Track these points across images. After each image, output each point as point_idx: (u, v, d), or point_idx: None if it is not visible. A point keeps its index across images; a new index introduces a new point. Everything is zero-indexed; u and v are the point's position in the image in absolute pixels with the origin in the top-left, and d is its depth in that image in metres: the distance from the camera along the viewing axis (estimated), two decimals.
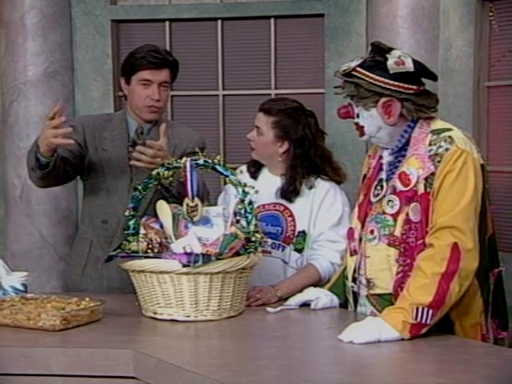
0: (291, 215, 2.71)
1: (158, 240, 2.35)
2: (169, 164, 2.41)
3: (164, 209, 2.43)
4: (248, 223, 2.32)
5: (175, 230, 2.40)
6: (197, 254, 2.26)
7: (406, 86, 2.23)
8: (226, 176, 2.36)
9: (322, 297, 2.45)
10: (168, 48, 4.46)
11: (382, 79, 2.23)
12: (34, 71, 4.57)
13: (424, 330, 2.08)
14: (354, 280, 2.38)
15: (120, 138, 2.85)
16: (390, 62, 2.22)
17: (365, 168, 2.48)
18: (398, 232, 2.25)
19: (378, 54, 2.26)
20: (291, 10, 4.69)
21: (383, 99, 2.25)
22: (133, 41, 4.61)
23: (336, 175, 2.76)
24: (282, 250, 2.70)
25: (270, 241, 2.68)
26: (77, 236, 3.01)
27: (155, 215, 2.45)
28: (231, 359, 1.93)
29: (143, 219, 2.43)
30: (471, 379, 1.78)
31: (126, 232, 2.42)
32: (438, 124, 2.29)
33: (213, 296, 2.30)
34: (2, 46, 4.64)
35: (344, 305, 2.47)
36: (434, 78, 2.31)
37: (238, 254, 2.30)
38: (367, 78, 2.24)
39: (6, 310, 2.25)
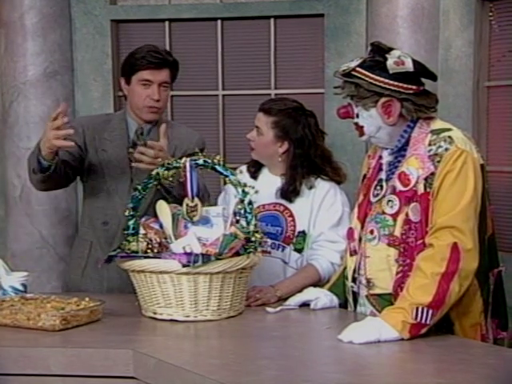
0: (291, 215, 2.71)
1: (158, 240, 2.35)
2: (168, 164, 2.41)
3: (164, 209, 2.43)
4: (248, 223, 2.32)
5: (175, 230, 2.40)
6: (196, 254, 2.26)
7: (405, 86, 2.23)
8: (226, 176, 2.36)
9: (322, 297, 2.45)
10: (168, 48, 4.46)
11: (381, 79, 2.23)
12: (34, 71, 4.57)
13: (424, 330, 2.08)
14: (354, 280, 2.38)
15: (120, 139, 2.84)
16: (390, 62, 2.22)
17: (364, 168, 2.48)
18: (397, 232, 2.25)
19: (377, 54, 2.26)
20: (291, 10, 4.69)
21: (383, 99, 2.25)
22: (133, 41, 4.61)
23: (336, 175, 2.76)
24: (282, 250, 2.70)
25: (269, 241, 2.68)
26: (77, 237, 3.01)
27: (155, 216, 2.45)
28: (231, 359, 1.93)
29: (143, 219, 2.43)
30: (471, 379, 1.78)
31: (125, 232, 2.42)
32: (437, 124, 2.29)
33: (212, 296, 2.30)
34: (1, 46, 4.64)
35: (344, 305, 2.47)
36: (433, 78, 2.31)
37: (237, 254, 2.30)
38: (367, 78, 2.24)
39: (6, 310, 2.25)
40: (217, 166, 2.35)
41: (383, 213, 2.28)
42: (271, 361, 1.95)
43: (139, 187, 2.41)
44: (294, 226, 2.70)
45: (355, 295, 2.39)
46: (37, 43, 4.57)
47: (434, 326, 2.12)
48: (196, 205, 2.38)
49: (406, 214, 2.23)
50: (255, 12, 4.72)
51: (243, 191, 2.32)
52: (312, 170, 2.73)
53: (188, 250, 2.29)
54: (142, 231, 2.39)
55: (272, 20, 4.75)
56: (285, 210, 2.72)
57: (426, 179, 2.21)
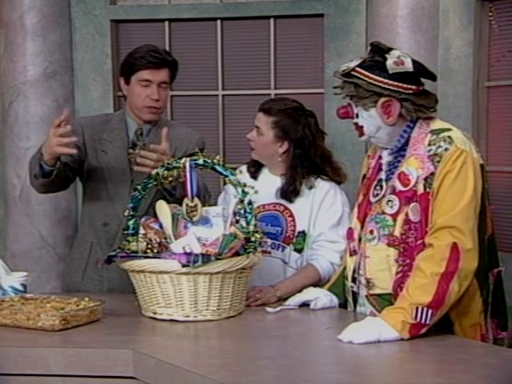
0: (291, 215, 2.71)
1: (158, 240, 2.35)
2: (168, 164, 2.41)
3: (163, 209, 2.43)
4: (247, 223, 2.32)
5: (175, 230, 2.40)
6: (196, 254, 2.26)
7: (405, 86, 2.23)
8: (226, 176, 2.36)
9: (322, 297, 2.45)
10: (167, 48, 4.47)
11: (381, 79, 2.23)
12: (34, 71, 4.58)
13: (423, 330, 2.08)
14: (354, 280, 2.38)
15: (120, 140, 2.84)
16: (390, 62, 2.22)
17: (364, 168, 2.48)
18: (397, 232, 2.25)
19: (377, 54, 2.26)
20: (291, 10, 4.69)
21: (382, 99, 2.25)
22: (132, 41, 4.61)
23: (336, 175, 2.76)
24: (282, 250, 2.70)
25: (269, 241, 2.68)
26: (76, 238, 3.00)
27: (155, 216, 2.45)
28: (231, 359, 1.93)
29: (142, 219, 2.43)
30: (470, 379, 1.78)
31: (125, 232, 2.42)
32: (437, 124, 2.29)
33: (212, 296, 2.30)
34: (1, 46, 4.64)
35: (343, 305, 2.47)
36: (433, 78, 2.31)
37: (237, 254, 2.30)
38: (366, 78, 2.24)
39: (6, 310, 2.25)
40: (217, 166, 2.35)
41: (383, 213, 2.28)
42: (271, 361, 1.95)
43: (139, 187, 2.41)
44: (294, 226, 2.70)
45: (355, 295, 2.39)
46: (37, 43, 4.57)
47: (434, 325, 2.12)
48: (196, 205, 2.38)
49: (406, 214, 2.23)
50: (255, 12, 4.72)
51: (243, 191, 2.32)
52: (312, 170, 2.73)
53: (188, 250, 2.29)
54: (141, 231, 2.39)
55: (272, 20, 4.75)
56: (285, 210, 2.72)
57: (425, 179, 2.21)
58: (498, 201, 4.09)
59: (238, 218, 2.38)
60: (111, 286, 2.80)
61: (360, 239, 2.36)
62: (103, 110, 4.62)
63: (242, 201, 2.33)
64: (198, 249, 2.30)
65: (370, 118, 2.29)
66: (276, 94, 4.68)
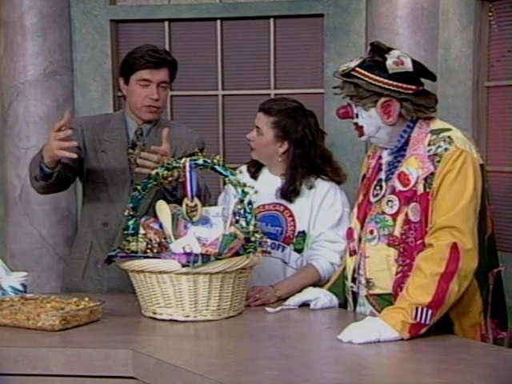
0: (291, 215, 2.71)
1: (158, 240, 2.35)
2: (168, 164, 2.41)
3: (163, 209, 2.43)
4: (247, 223, 2.32)
5: (174, 230, 2.40)
6: (196, 254, 2.26)
7: (405, 86, 2.23)
8: (226, 176, 2.36)
9: (322, 297, 2.45)
10: (167, 48, 4.46)
11: (381, 79, 2.23)
12: (34, 71, 4.57)
13: (423, 330, 2.08)
14: (354, 280, 2.38)
15: (119, 140, 2.84)
16: (389, 62, 2.22)
17: (364, 168, 2.48)
18: (397, 232, 2.25)
19: (377, 54, 2.26)
20: (290, 10, 4.69)
21: (382, 99, 2.25)
22: (132, 41, 4.61)
23: (336, 175, 2.76)
24: (282, 250, 2.70)
25: (269, 241, 2.68)
26: (76, 238, 3.00)
27: (155, 216, 2.45)
28: (230, 359, 1.93)
29: (142, 219, 2.43)
30: (470, 379, 1.78)
31: (125, 232, 2.42)
32: (437, 124, 2.29)
33: (212, 296, 2.30)
34: (1, 46, 4.64)
35: (343, 305, 2.47)
36: (433, 78, 2.31)
37: (237, 254, 2.30)
38: (366, 78, 2.24)
39: (6, 310, 2.25)
40: (216, 166, 2.35)
41: (383, 213, 2.28)
42: (271, 361, 1.95)
43: (139, 187, 2.41)
44: (294, 226, 2.70)
45: (355, 295, 2.39)
46: (36, 43, 4.57)
47: (434, 325, 2.12)
48: (196, 205, 2.38)
49: (406, 214, 2.23)
50: (255, 12, 4.72)
51: (243, 191, 2.32)
52: (312, 170, 2.73)
53: (188, 250, 2.29)
54: (141, 231, 2.39)
55: (271, 20, 4.75)
56: (285, 210, 2.72)
57: (425, 179, 2.21)
58: (497, 201, 4.09)
59: (237, 217, 2.38)
60: (111, 285, 2.80)
61: (360, 239, 2.36)
62: (103, 109, 4.62)
63: (241, 201, 2.33)
64: (197, 249, 2.30)
65: (369, 118, 2.29)
66: (276, 94, 4.68)
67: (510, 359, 1.99)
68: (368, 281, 2.32)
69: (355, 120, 2.32)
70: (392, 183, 2.29)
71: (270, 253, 2.67)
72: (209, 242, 2.32)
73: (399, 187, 2.26)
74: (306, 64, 4.77)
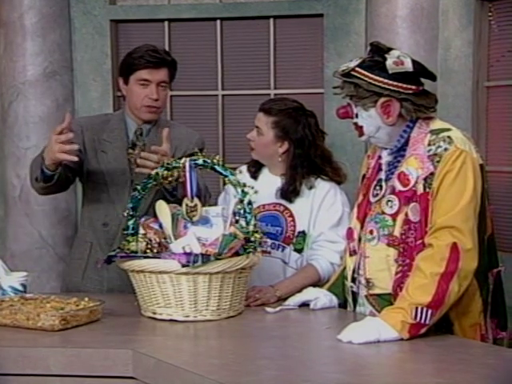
0: (291, 215, 2.71)
1: (158, 240, 2.35)
2: (168, 164, 2.41)
3: (163, 209, 2.43)
4: (247, 223, 2.32)
5: (174, 230, 2.40)
6: (196, 254, 2.26)
7: (404, 86, 2.23)
8: (225, 176, 2.36)
9: (321, 297, 2.45)
10: (167, 48, 4.46)
11: (380, 79, 2.23)
12: (33, 71, 4.57)
13: (423, 330, 2.08)
14: (354, 280, 2.38)
15: (119, 140, 2.84)
16: (389, 62, 2.22)
17: (364, 168, 2.48)
18: (397, 232, 2.25)
19: (376, 54, 2.26)
20: (290, 10, 4.69)
21: (382, 99, 2.25)
22: (132, 41, 4.61)
23: (336, 175, 2.76)
24: (282, 250, 2.70)
25: (269, 241, 2.68)
26: (76, 238, 3.00)
27: (155, 216, 2.45)
28: (230, 359, 1.93)
29: (142, 219, 2.43)
30: (470, 379, 1.78)
31: (125, 232, 2.42)
32: (437, 124, 2.29)
33: (212, 296, 2.30)
34: (1, 46, 4.64)
35: (343, 305, 2.47)
36: (433, 78, 2.31)
37: (237, 254, 2.30)
38: (366, 78, 2.24)
39: (6, 310, 2.25)
40: (216, 166, 2.35)
41: (383, 213, 2.28)
42: (271, 361, 1.95)
43: (138, 187, 2.41)
44: (294, 226, 2.70)
45: (355, 295, 2.39)
46: (36, 43, 4.57)
47: (434, 325, 2.12)
48: (195, 205, 2.38)
49: (406, 214, 2.23)
50: (254, 12, 4.72)
51: (243, 191, 2.32)
52: (312, 170, 2.73)
53: (187, 250, 2.29)
54: (141, 231, 2.39)
55: (271, 20, 4.75)
56: (285, 210, 2.72)
57: (425, 179, 2.21)
58: (497, 201, 4.09)
59: (237, 217, 2.38)
60: (111, 286, 2.80)
61: (360, 239, 2.36)
62: (103, 110, 4.62)
63: (241, 201, 2.33)
64: (197, 249, 2.30)
65: (369, 118, 2.29)
66: (276, 94, 4.68)
67: (510, 359, 1.99)
68: (368, 281, 2.32)
69: (355, 120, 2.32)
70: (392, 183, 2.29)
71: (269, 253, 2.67)
72: (209, 242, 2.32)
73: (399, 187, 2.26)
74: (305, 64, 4.77)
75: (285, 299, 2.50)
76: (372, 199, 2.35)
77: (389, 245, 2.26)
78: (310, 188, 2.72)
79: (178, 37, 4.85)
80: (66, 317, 2.20)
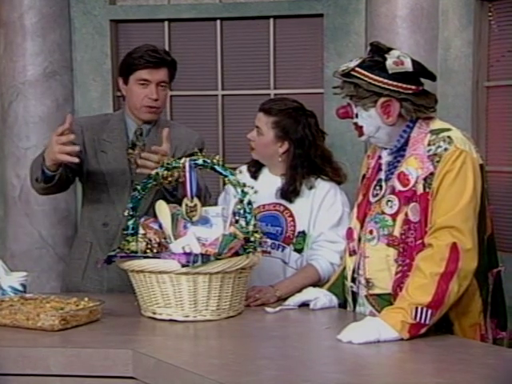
0: (291, 215, 2.71)
1: (157, 240, 2.35)
2: (168, 164, 2.41)
3: (163, 209, 2.42)
4: (247, 223, 2.32)
5: (174, 230, 2.40)
6: (196, 254, 2.26)
7: (404, 86, 2.23)
8: (225, 176, 2.36)
9: (321, 297, 2.45)
10: (167, 48, 4.46)
11: (380, 79, 2.23)
12: (33, 71, 4.58)
13: (423, 330, 2.08)
14: (353, 280, 2.38)
15: (119, 140, 2.84)
16: (389, 62, 2.22)
17: (364, 168, 2.48)
18: (397, 232, 2.25)
19: (376, 54, 2.26)
20: (290, 10, 4.69)
21: (382, 99, 2.25)
22: (132, 41, 4.61)
23: (336, 175, 2.76)
24: (282, 250, 2.70)
25: (269, 241, 2.68)
26: (76, 238, 3.00)
27: (155, 216, 2.45)
28: (230, 359, 1.93)
29: (142, 219, 2.43)
30: (470, 379, 1.78)
31: (124, 232, 2.42)
32: (436, 124, 2.29)
33: (212, 296, 2.30)
34: (1, 46, 4.64)
35: (343, 305, 2.47)
36: (432, 78, 2.31)
37: (237, 254, 2.30)
38: (366, 78, 2.24)
39: (5, 310, 2.25)
40: (216, 166, 2.35)
41: (382, 213, 2.28)
42: (271, 361, 1.95)
43: (138, 187, 2.41)
44: (294, 226, 2.70)
45: (354, 295, 2.39)
46: (36, 43, 4.57)
47: (434, 325, 2.12)
48: (195, 205, 2.38)
49: (406, 214, 2.23)
50: (254, 12, 4.72)
51: (242, 191, 2.32)
52: (312, 170, 2.73)
53: (187, 250, 2.29)
54: (141, 231, 2.39)
55: (271, 20, 4.75)
56: (285, 210, 2.72)
57: (425, 179, 2.21)
58: (497, 201, 4.09)
59: (237, 217, 2.38)
60: (111, 286, 2.80)
61: (359, 239, 2.36)
62: (103, 110, 4.62)
63: (241, 201, 2.33)
64: (197, 249, 2.30)
65: (369, 118, 2.29)
66: (275, 94, 4.68)
67: (510, 359, 1.99)
68: (368, 281, 2.32)
69: (355, 120, 2.32)
70: (392, 183, 2.29)
71: (269, 253, 2.67)
72: (208, 242, 2.32)
73: (399, 187, 2.26)
74: (305, 64, 4.77)
75: (285, 299, 2.50)
76: (372, 199, 2.35)
77: (389, 245, 2.26)
78: (310, 188, 2.72)
79: (177, 37, 4.85)
80: (66, 317, 2.20)
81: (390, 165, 2.33)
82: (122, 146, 2.83)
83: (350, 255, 2.41)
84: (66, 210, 4.70)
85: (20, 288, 2.48)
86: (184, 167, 2.37)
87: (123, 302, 2.50)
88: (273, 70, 4.78)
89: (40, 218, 4.64)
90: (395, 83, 2.23)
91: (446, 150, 2.19)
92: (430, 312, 2.07)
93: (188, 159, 2.38)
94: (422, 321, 2.07)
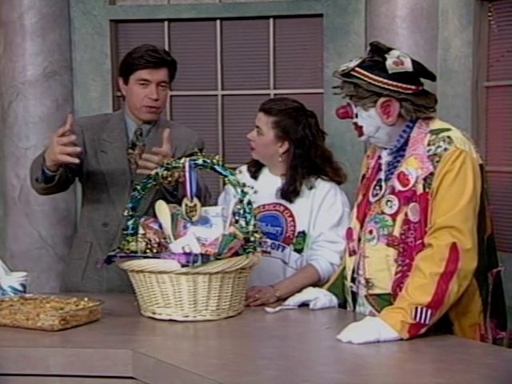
0: (291, 215, 2.71)
1: (157, 240, 2.35)
2: (168, 164, 2.41)
3: (163, 209, 2.42)
4: (247, 223, 2.32)
5: (174, 230, 2.40)
6: (196, 254, 2.26)
7: (404, 86, 2.23)
8: (225, 176, 2.36)
9: (321, 297, 2.45)
10: (167, 48, 4.46)
11: (380, 79, 2.23)
12: (33, 71, 4.57)
13: (423, 330, 2.08)
14: (353, 280, 2.38)
15: (119, 140, 2.84)
16: (389, 62, 2.22)
17: (363, 168, 2.48)
18: (396, 232, 2.25)
19: (376, 54, 2.26)
20: (290, 10, 4.69)
21: (382, 99, 2.25)
22: (132, 41, 4.61)
23: (336, 175, 2.76)
24: (282, 250, 2.70)
25: (269, 241, 2.68)
26: (76, 238, 3.00)
27: (155, 216, 2.45)
28: (230, 359, 1.93)
29: (142, 219, 2.43)
30: (470, 379, 1.78)
31: (124, 232, 2.42)
32: (436, 124, 2.29)
33: (212, 296, 2.30)
34: (0, 46, 4.64)
35: (343, 305, 2.47)
36: (432, 78, 2.31)
37: (236, 254, 2.30)
38: (366, 78, 2.24)
39: (5, 310, 2.25)
40: (216, 166, 2.35)
41: (382, 213, 2.28)
42: (270, 361, 1.95)
43: (138, 187, 2.41)
44: (294, 226, 2.70)
45: (354, 295, 2.39)
46: (36, 43, 4.57)
47: (433, 325, 2.12)
48: (195, 205, 2.38)
49: (405, 214, 2.23)
50: (254, 12, 4.72)
51: (242, 191, 2.32)
52: (312, 170, 2.73)
53: (187, 250, 2.29)
54: (141, 231, 2.39)
55: (271, 20, 4.75)
56: (285, 210, 2.72)
57: (425, 179, 2.21)
58: (497, 201, 4.09)
59: (237, 217, 2.38)
60: (111, 286, 2.80)
61: (359, 239, 2.36)
62: (102, 110, 4.62)
63: (241, 201, 2.33)
64: (197, 249, 2.30)
65: (369, 118, 2.29)
66: (275, 94, 4.67)
67: (510, 359, 1.99)
68: (367, 281, 2.32)
69: (355, 120, 2.32)
70: (391, 183, 2.29)
71: (269, 253, 2.67)
72: (208, 242, 2.32)
73: (399, 187, 2.26)
74: (305, 64, 4.77)
75: (284, 299, 2.50)
76: (372, 199, 2.35)
77: (388, 245, 2.26)
78: (310, 188, 2.72)
79: (177, 37, 4.85)
80: (66, 317, 2.20)
81: (389, 165, 2.33)
82: (121, 146, 2.83)
83: (350, 255, 2.41)
84: (66, 210, 4.70)
85: (20, 288, 2.48)
86: (184, 167, 2.37)
87: (123, 302, 2.50)
88: (272, 70, 4.78)
89: (40, 218, 4.64)
90: (395, 83, 2.23)
91: (445, 149, 2.19)
92: (429, 312, 2.07)
93: (188, 159, 2.38)
94: (422, 321, 2.07)
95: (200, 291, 2.28)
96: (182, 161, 2.38)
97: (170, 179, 2.44)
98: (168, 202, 2.48)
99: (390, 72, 2.22)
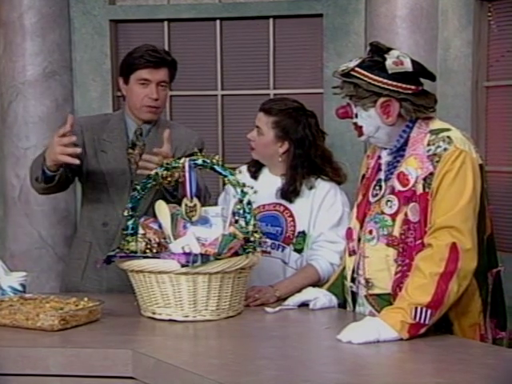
0: (291, 215, 2.71)
1: (157, 240, 2.35)
2: (168, 164, 2.41)
3: (163, 209, 2.42)
4: (247, 223, 2.32)
5: (174, 230, 2.40)
6: (195, 254, 2.26)
7: (404, 86, 2.23)
8: (225, 176, 2.36)
9: (321, 297, 2.45)
10: (167, 48, 4.46)
11: (380, 79, 2.23)
12: (33, 71, 4.57)
13: (423, 330, 2.08)
14: (353, 280, 2.38)
15: (119, 140, 2.84)
16: (389, 62, 2.22)
17: (363, 168, 2.48)
18: (396, 232, 2.25)
19: (376, 54, 2.26)
20: (290, 10, 4.69)
21: (382, 99, 2.25)
22: (131, 41, 4.61)
23: (336, 175, 2.76)
24: (282, 250, 2.70)
25: (269, 241, 2.68)
26: (75, 238, 3.00)
27: (155, 216, 2.45)
28: (230, 359, 1.93)
29: (142, 219, 2.43)
30: (470, 379, 1.78)
31: (124, 232, 2.42)
32: (436, 124, 2.29)
33: (211, 296, 2.30)
34: (0, 46, 4.64)
35: (343, 305, 2.47)
36: (432, 78, 2.31)
37: (236, 254, 2.30)
38: (366, 78, 2.24)
39: (5, 310, 2.25)
40: (216, 166, 2.35)
41: (382, 213, 2.28)
42: (270, 361, 1.95)
43: (138, 187, 2.41)
44: (294, 226, 2.70)
45: (354, 295, 2.39)
46: (36, 43, 4.57)
47: (433, 325, 2.12)
48: (195, 205, 2.38)
49: (405, 214, 2.23)
50: (254, 12, 4.72)
51: (242, 191, 2.32)
52: (312, 170, 2.73)
53: (187, 250, 2.29)
54: (140, 231, 2.39)
55: (271, 20, 4.75)
56: (285, 210, 2.72)
57: (424, 179, 2.21)
58: (497, 201, 4.09)
59: (237, 217, 2.38)
60: (110, 286, 2.80)
61: (359, 239, 2.36)
62: (102, 110, 4.62)
63: (241, 201, 2.33)
64: (197, 249, 2.30)
65: (369, 118, 2.29)
66: (275, 94, 4.67)
67: (509, 359, 1.99)
68: (367, 281, 2.32)
69: (354, 120, 2.32)
70: (391, 183, 2.29)
71: (269, 253, 2.67)
72: (208, 242, 2.32)
73: (398, 187, 2.26)
74: (305, 64, 4.77)
75: (284, 299, 2.50)
76: (371, 199, 2.35)
77: (388, 245, 2.26)
78: (310, 188, 2.72)
79: (177, 37, 4.85)
80: (66, 317, 2.20)
81: (389, 165, 2.33)
82: (121, 145, 2.83)
83: (350, 255, 2.41)
84: (66, 210, 4.70)
85: (19, 288, 2.48)
86: (184, 167, 2.37)
87: (123, 301, 2.50)
88: (272, 70, 4.78)
89: (39, 218, 4.64)
90: (395, 83, 2.23)
91: (445, 149, 2.19)
92: (429, 312, 2.08)
93: (188, 159, 2.38)
94: (422, 321, 2.07)
95: (200, 291, 2.28)
96: (182, 161, 2.38)
97: (169, 179, 2.43)
98: (168, 202, 2.48)
99: (389, 72, 2.22)
